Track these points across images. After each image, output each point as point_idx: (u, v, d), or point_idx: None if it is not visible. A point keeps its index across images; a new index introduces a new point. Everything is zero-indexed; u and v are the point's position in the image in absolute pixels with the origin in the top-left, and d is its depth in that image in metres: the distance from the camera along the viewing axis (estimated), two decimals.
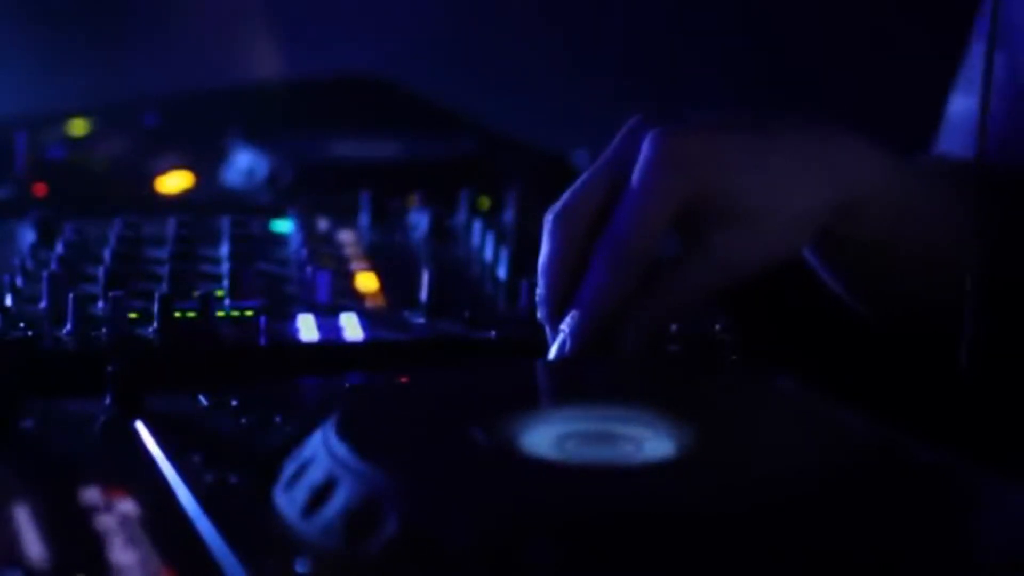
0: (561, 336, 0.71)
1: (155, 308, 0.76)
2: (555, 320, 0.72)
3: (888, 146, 0.78)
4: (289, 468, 0.55)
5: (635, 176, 0.71)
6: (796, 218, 0.74)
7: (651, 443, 0.56)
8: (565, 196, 0.73)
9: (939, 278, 0.81)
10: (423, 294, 0.80)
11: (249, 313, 0.79)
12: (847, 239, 0.78)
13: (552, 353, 0.71)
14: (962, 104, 0.97)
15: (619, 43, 1.64)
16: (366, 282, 0.83)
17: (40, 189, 1.18)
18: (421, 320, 0.79)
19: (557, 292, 0.72)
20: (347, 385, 0.69)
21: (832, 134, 0.76)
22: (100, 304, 0.79)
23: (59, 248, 0.90)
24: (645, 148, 0.71)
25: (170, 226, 0.96)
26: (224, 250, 0.92)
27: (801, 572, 0.48)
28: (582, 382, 0.65)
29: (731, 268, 0.73)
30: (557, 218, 0.72)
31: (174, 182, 1.23)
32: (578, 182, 0.73)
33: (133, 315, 0.77)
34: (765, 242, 0.73)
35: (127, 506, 0.53)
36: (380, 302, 0.83)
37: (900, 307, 0.86)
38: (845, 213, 0.76)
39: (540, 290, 0.73)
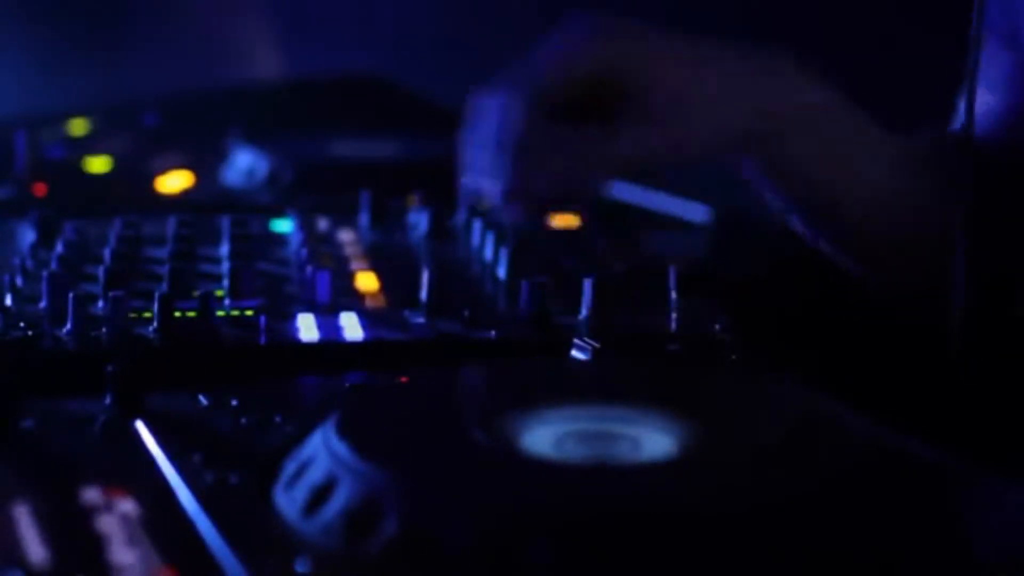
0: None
1: (155, 308, 0.76)
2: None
3: (835, 88, 0.82)
4: (289, 468, 0.55)
5: (563, 36, 0.76)
6: (710, 119, 0.77)
7: (651, 443, 0.56)
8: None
9: (880, 219, 0.85)
10: (423, 294, 0.80)
11: (249, 313, 0.79)
12: (776, 160, 0.81)
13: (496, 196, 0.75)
14: (985, 102, 0.98)
15: None
16: (366, 282, 0.83)
17: (40, 189, 1.18)
18: (421, 320, 0.79)
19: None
20: (347, 385, 0.69)
21: (768, 55, 0.80)
22: (100, 304, 0.79)
23: (59, 248, 0.90)
24: (577, 22, 0.76)
25: (170, 226, 0.96)
26: (224, 250, 0.92)
27: (801, 572, 0.48)
28: (581, 382, 0.65)
29: (644, 144, 0.76)
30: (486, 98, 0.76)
31: (174, 182, 1.23)
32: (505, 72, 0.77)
33: (133, 315, 0.77)
34: (674, 135, 0.77)
35: (127, 506, 0.53)
36: (380, 302, 0.83)
37: (848, 243, 0.88)
38: (768, 129, 0.79)
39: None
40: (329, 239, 0.98)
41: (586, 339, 0.72)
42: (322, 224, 1.02)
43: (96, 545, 0.50)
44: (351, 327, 0.78)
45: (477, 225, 0.96)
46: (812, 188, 0.84)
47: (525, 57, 0.77)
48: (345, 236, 0.99)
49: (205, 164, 1.27)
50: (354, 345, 0.76)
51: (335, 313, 0.80)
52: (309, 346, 0.76)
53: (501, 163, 0.75)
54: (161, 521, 0.52)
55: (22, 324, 0.77)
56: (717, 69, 0.79)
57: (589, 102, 0.76)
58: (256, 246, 0.93)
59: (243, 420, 0.62)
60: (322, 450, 0.54)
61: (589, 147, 0.76)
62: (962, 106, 0.97)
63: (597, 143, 0.76)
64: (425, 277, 0.81)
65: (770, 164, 0.82)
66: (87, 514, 0.53)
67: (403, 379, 0.68)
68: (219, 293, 0.82)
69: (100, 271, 0.83)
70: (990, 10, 0.93)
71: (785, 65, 0.80)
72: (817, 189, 0.84)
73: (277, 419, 0.62)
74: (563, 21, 0.77)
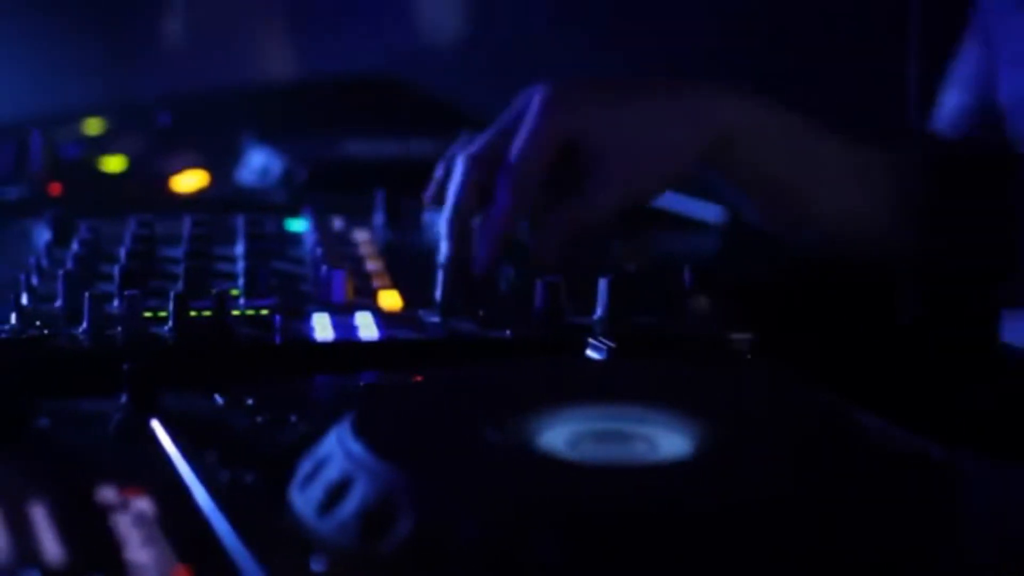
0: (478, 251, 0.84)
1: (170, 307, 0.76)
2: (459, 237, 0.85)
3: (769, 97, 0.91)
4: (304, 467, 0.55)
5: (526, 117, 0.85)
6: (664, 152, 0.87)
7: (666, 443, 0.56)
8: (475, 144, 0.86)
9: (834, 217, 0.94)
10: (437, 293, 0.80)
11: (264, 312, 0.79)
12: (729, 170, 0.90)
13: (475, 264, 0.83)
14: (955, 100, 1.01)
15: (633, 45, 1.64)
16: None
17: (55, 188, 1.19)
18: (435, 319, 0.79)
19: (464, 216, 0.85)
20: (362, 384, 0.69)
21: (701, 83, 0.90)
22: (115, 303, 0.79)
23: (74, 247, 0.91)
24: (535, 97, 0.86)
25: (185, 225, 0.96)
26: (239, 249, 0.92)
27: (808, 571, 0.48)
28: (596, 381, 0.65)
29: (613, 196, 0.85)
30: (468, 161, 0.86)
31: (189, 181, 1.24)
32: (485, 133, 0.87)
33: (148, 314, 0.77)
34: (639, 172, 0.86)
35: (143, 504, 0.54)
36: (395, 302, 0.83)
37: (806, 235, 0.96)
38: (718, 148, 0.88)
39: (447, 213, 0.85)
40: (344, 238, 0.98)
41: (601, 339, 0.72)
42: (337, 223, 1.02)
43: (111, 544, 0.50)
44: (366, 326, 0.78)
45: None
46: (772, 194, 0.92)
47: (487, 131, 0.87)
48: (360, 235, 0.99)
49: (220, 163, 1.28)
50: (369, 344, 0.76)
51: (350, 312, 0.80)
52: (324, 345, 0.76)
53: (489, 243, 0.84)
54: (176, 520, 0.52)
55: (38, 323, 0.77)
56: (660, 110, 0.88)
57: (562, 164, 0.86)
58: (271, 245, 0.93)
59: (258, 419, 0.62)
60: (337, 449, 0.54)
61: (564, 216, 0.85)
62: (944, 106, 1.01)
63: (572, 210, 0.85)
64: (440, 277, 0.81)
65: (733, 176, 0.91)
66: (102, 513, 0.53)
67: (418, 378, 0.68)
68: (234, 292, 0.82)
69: (115, 270, 0.84)
70: (974, 6, 0.97)
71: (722, 90, 0.89)
72: (778, 195, 0.92)
73: (292, 418, 0.62)
74: (522, 94, 0.87)
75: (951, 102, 1.02)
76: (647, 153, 0.86)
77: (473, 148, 0.86)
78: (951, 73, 1.03)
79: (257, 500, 0.54)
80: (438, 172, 0.90)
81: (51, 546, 0.50)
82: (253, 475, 0.56)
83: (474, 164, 0.86)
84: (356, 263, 0.91)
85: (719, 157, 0.88)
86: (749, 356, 0.75)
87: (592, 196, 0.85)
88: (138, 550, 0.50)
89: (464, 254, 0.84)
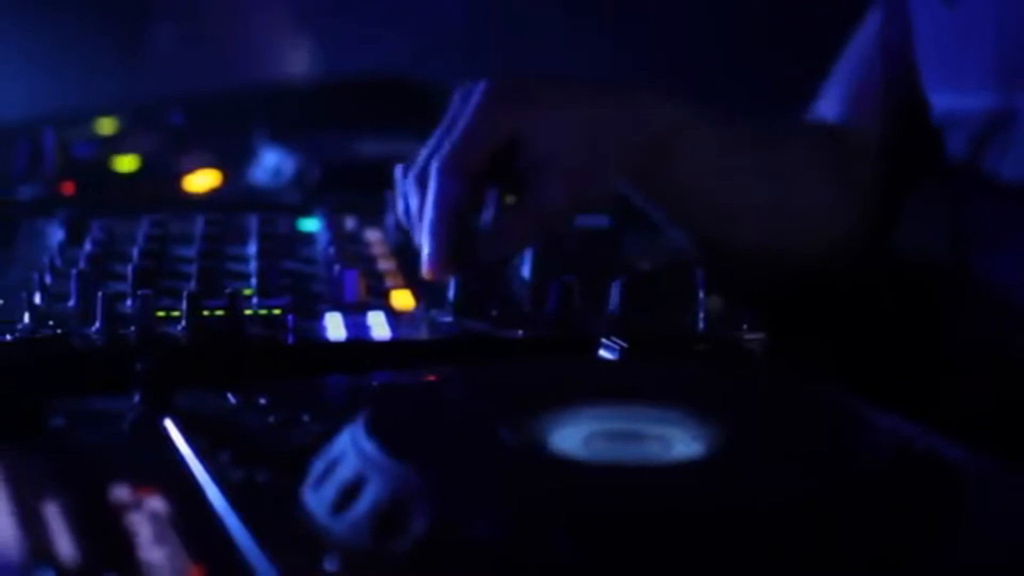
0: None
1: (183, 306, 0.76)
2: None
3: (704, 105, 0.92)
4: (317, 466, 0.55)
5: (463, 111, 0.84)
6: (602, 155, 0.86)
7: (679, 443, 0.56)
8: (419, 156, 0.84)
9: (769, 226, 0.95)
10: (450, 293, 0.80)
11: (277, 311, 0.79)
12: (664, 177, 0.91)
13: (423, 262, 0.81)
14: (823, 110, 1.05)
15: (645, 44, 1.64)
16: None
17: (68, 188, 1.19)
18: (448, 319, 0.79)
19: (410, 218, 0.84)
20: (375, 383, 0.69)
21: (639, 89, 0.90)
22: (128, 302, 0.79)
23: (88, 246, 0.91)
24: (474, 92, 0.85)
25: (198, 224, 0.97)
26: (252, 248, 0.92)
27: (817, 571, 0.48)
28: (609, 381, 0.65)
29: (563, 195, 0.83)
30: (402, 170, 0.85)
31: (202, 181, 1.24)
32: (428, 142, 0.85)
33: (161, 313, 0.77)
34: (588, 172, 0.85)
35: (156, 504, 0.54)
36: (408, 302, 0.83)
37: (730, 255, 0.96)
38: (656, 152, 0.88)
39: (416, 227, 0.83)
40: (356, 238, 0.98)
41: (614, 339, 0.72)
42: (349, 223, 1.02)
43: (125, 543, 0.50)
44: (378, 326, 0.78)
45: None
46: (702, 210, 0.93)
47: (441, 129, 0.86)
48: (372, 235, 0.99)
49: (232, 163, 1.28)
50: (382, 344, 0.76)
51: (362, 312, 0.80)
52: (336, 345, 0.76)
53: (431, 236, 0.81)
54: (189, 519, 0.52)
55: (51, 322, 0.77)
56: (605, 109, 0.88)
57: (503, 160, 0.85)
58: (283, 245, 0.93)
59: (271, 418, 0.62)
60: (350, 448, 0.54)
61: (504, 219, 0.85)
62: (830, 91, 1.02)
63: (525, 208, 0.84)
64: (452, 277, 0.81)
65: (662, 182, 0.92)
66: (116, 512, 0.53)
67: (431, 378, 0.68)
68: (247, 292, 0.82)
69: (128, 270, 0.84)
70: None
71: (660, 95, 0.90)
72: (707, 211, 0.93)
73: (305, 417, 0.62)
74: (461, 91, 0.86)
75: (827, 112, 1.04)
76: (594, 152, 0.86)
77: (417, 160, 0.85)
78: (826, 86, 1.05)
79: (270, 499, 0.54)
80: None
81: (65, 545, 0.50)
82: (266, 474, 0.56)
83: (407, 170, 0.85)
84: (369, 263, 0.91)
85: (654, 164, 0.89)
86: (762, 356, 0.75)
87: (543, 195, 0.83)
88: (151, 549, 0.50)
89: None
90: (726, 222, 0.95)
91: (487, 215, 1.01)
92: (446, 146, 0.83)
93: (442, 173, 0.81)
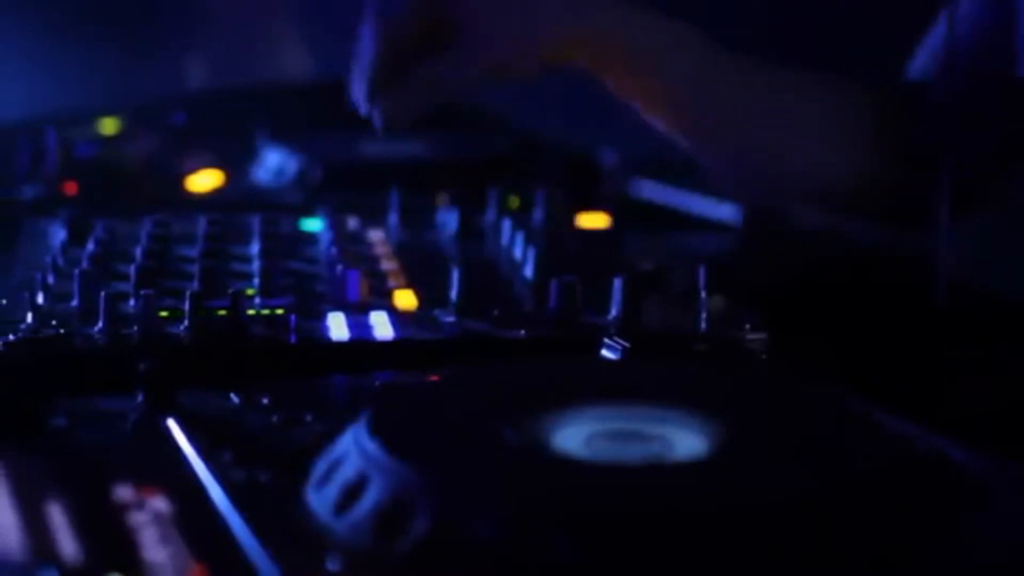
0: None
1: (186, 306, 0.76)
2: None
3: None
4: (320, 466, 0.55)
5: None
6: (534, 25, 0.91)
7: (681, 442, 0.56)
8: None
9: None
10: (452, 293, 0.80)
11: (279, 311, 0.79)
12: (609, 77, 0.94)
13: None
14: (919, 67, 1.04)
15: None
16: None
17: (71, 187, 1.19)
18: (450, 319, 0.79)
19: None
20: (377, 383, 0.69)
21: None
22: (131, 302, 0.80)
23: (90, 246, 0.91)
24: None
25: (200, 224, 0.97)
26: (254, 248, 0.92)
27: (826, 571, 0.48)
28: (611, 381, 0.65)
29: (472, 58, 0.90)
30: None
31: (204, 181, 1.24)
32: None
33: (164, 313, 0.77)
34: (506, 38, 0.90)
35: (158, 503, 0.54)
36: (410, 302, 0.83)
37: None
38: (591, 50, 0.92)
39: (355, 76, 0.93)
40: (358, 238, 0.98)
41: (616, 338, 0.72)
42: (351, 223, 1.02)
43: (127, 543, 0.50)
44: (381, 326, 0.78)
45: (506, 224, 0.96)
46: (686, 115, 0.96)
47: None
48: (374, 235, 0.99)
49: (235, 163, 1.28)
50: (384, 344, 0.76)
51: (365, 312, 0.80)
52: (339, 345, 0.76)
53: (359, 83, 0.92)
54: (192, 519, 0.53)
55: (54, 322, 0.77)
56: None
57: (431, 33, 0.91)
58: (286, 245, 0.93)
59: (274, 418, 0.62)
60: (353, 448, 0.54)
61: (424, 73, 0.90)
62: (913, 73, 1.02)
63: (432, 67, 0.90)
64: (455, 276, 0.81)
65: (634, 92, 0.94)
66: (118, 512, 0.53)
67: (433, 378, 0.68)
68: (249, 292, 0.82)
69: (131, 269, 0.84)
70: None
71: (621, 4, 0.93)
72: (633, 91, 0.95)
73: (308, 417, 0.62)
74: None
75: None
76: (516, 21, 0.90)
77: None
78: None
79: (273, 499, 0.54)
80: None
81: (67, 545, 0.50)
82: (269, 474, 0.56)
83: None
84: (371, 263, 0.91)
85: (605, 66, 0.92)
86: (764, 356, 0.75)
87: (453, 56, 0.89)
88: (153, 549, 0.50)
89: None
90: (719, 132, 0.97)
91: (489, 215, 1.02)
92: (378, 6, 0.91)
93: (371, 34, 0.90)
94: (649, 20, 0.94)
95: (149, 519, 0.52)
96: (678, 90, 0.95)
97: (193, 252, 0.91)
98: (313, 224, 1.01)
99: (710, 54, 0.95)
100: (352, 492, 0.51)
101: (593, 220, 1.03)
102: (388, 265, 0.91)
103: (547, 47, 0.92)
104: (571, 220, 1.03)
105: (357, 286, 0.83)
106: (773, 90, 0.98)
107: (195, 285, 0.82)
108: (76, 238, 0.94)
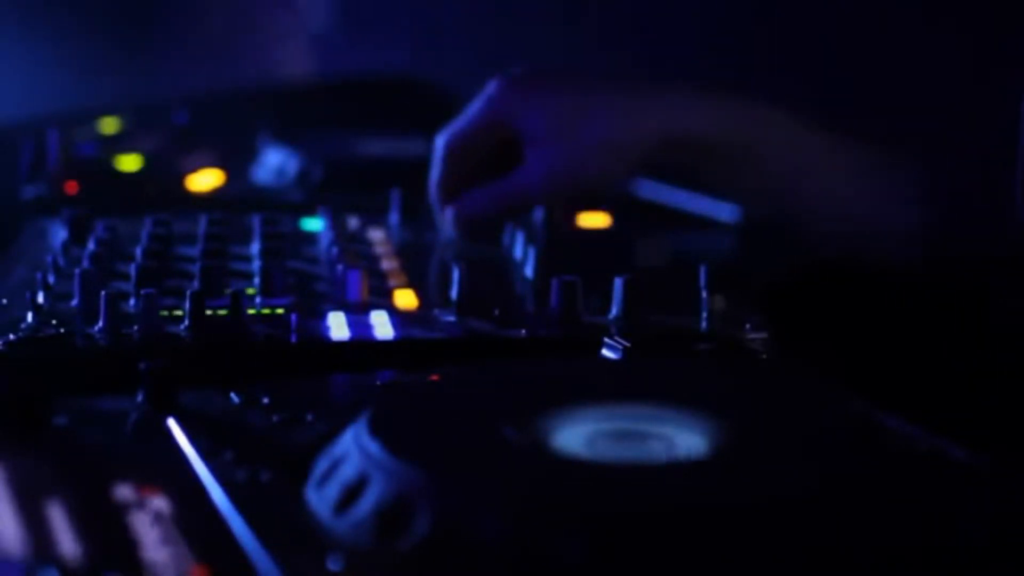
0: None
1: (187, 306, 0.76)
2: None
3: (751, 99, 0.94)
4: (321, 465, 0.55)
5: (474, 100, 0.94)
6: (602, 146, 0.91)
7: (683, 442, 0.56)
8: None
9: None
10: (453, 292, 0.81)
11: (280, 311, 0.79)
12: (703, 171, 0.96)
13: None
14: None
15: (646, 44, 1.64)
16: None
17: (72, 187, 1.19)
18: (451, 318, 0.79)
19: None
20: (378, 383, 0.69)
21: (667, 83, 0.94)
22: (132, 302, 0.80)
23: (91, 246, 0.91)
24: (490, 82, 0.94)
25: (201, 224, 0.97)
26: (255, 248, 0.92)
27: (828, 570, 0.48)
28: (612, 381, 0.65)
29: (536, 175, 0.92)
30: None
31: (205, 180, 1.24)
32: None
33: (165, 313, 0.77)
34: (571, 159, 0.91)
35: (159, 503, 0.54)
36: (411, 301, 0.83)
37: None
38: (674, 150, 0.92)
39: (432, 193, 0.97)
40: (359, 238, 0.98)
41: (617, 338, 0.72)
42: (352, 223, 1.02)
43: (128, 542, 0.50)
44: (382, 325, 0.78)
45: (507, 225, 0.96)
46: (759, 192, 0.96)
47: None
48: (375, 235, 0.99)
49: (236, 162, 1.28)
50: (385, 343, 0.76)
51: (366, 311, 0.80)
52: (340, 344, 0.76)
53: (432, 191, 0.97)
54: (193, 518, 0.52)
55: (54, 322, 0.77)
56: (606, 105, 0.92)
57: (500, 150, 0.94)
58: (287, 244, 0.93)
59: (275, 418, 0.62)
60: (354, 448, 0.54)
61: (489, 190, 0.94)
62: None
63: (497, 185, 0.93)
64: (456, 276, 0.81)
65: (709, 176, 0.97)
66: (119, 511, 0.53)
67: (434, 377, 0.68)
68: (250, 291, 0.83)
69: (132, 269, 0.84)
70: None
71: (684, 92, 0.93)
72: (764, 195, 0.96)
73: (309, 417, 0.62)
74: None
75: None
76: (581, 143, 0.91)
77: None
78: None
79: (273, 499, 0.54)
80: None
81: (68, 544, 0.50)
82: (269, 474, 0.56)
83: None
84: (372, 262, 0.91)
85: (679, 159, 0.93)
86: (765, 355, 0.75)
87: (517, 174, 0.92)
88: (155, 549, 0.50)
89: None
90: (785, 204, 0.96)
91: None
92: (447, 131, 0.94)
93: (439, 157, 0.94)
94: (729, 111, 0.93)
95: (150, 518, 0.52)
96: (775, 179, 0.95)
97: (194, 252, 0.91)
98: (314, 223, 1.01)
99: (803, 136, 0.94)
100: (353, 492, 0.51)
101: (593, 220, 1.03)
102: (388, 265, 0.91)
103: (626, 157, 0.93)
104: (571, 220, 1.03)
105: (358, 286, 0.83)
106: (861, 163, 0.97)
107: (196, 285, 0.82)
108: (77, 238, 0.94)
